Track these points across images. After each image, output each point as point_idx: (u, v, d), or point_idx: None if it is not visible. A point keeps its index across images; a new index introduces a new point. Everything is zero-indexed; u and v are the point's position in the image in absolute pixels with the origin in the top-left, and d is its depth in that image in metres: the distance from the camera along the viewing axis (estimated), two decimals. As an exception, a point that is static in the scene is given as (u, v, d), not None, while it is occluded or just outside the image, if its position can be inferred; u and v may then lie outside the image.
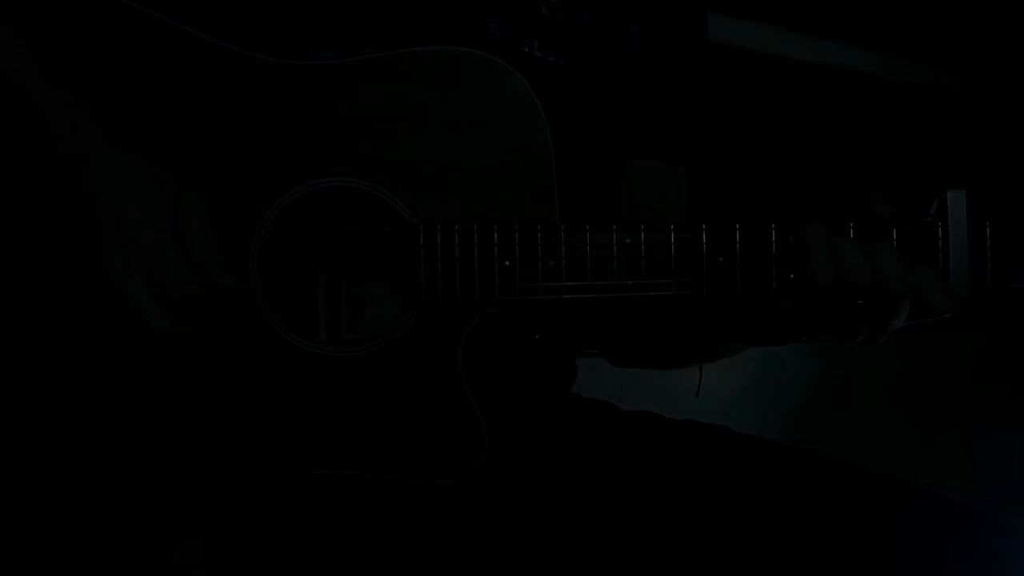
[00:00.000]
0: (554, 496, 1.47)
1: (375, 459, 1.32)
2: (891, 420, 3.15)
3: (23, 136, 1.25)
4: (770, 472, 1.45)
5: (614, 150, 1.54)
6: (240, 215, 1.30)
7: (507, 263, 1.30)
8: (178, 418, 1.31)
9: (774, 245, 1.30)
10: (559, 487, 1.48)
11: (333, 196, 1.32)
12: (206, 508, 1.31)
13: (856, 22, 2.88)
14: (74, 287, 1.28)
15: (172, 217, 1.24)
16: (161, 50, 1.31)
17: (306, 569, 1.40)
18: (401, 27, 1.39)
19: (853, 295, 1.28)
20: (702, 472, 1.46)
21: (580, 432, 1.56)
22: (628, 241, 1.30)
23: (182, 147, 1.29)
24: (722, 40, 2.68)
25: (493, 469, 1.32)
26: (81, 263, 1.26)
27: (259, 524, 1.38)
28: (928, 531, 1.37)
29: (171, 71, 1.31)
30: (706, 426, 1.54)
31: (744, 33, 2.76)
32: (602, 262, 1.30)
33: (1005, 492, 3.02)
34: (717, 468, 1.46)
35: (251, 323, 1.30)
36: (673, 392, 1.65)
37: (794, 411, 3.02)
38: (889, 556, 1.35)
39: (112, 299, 1.25)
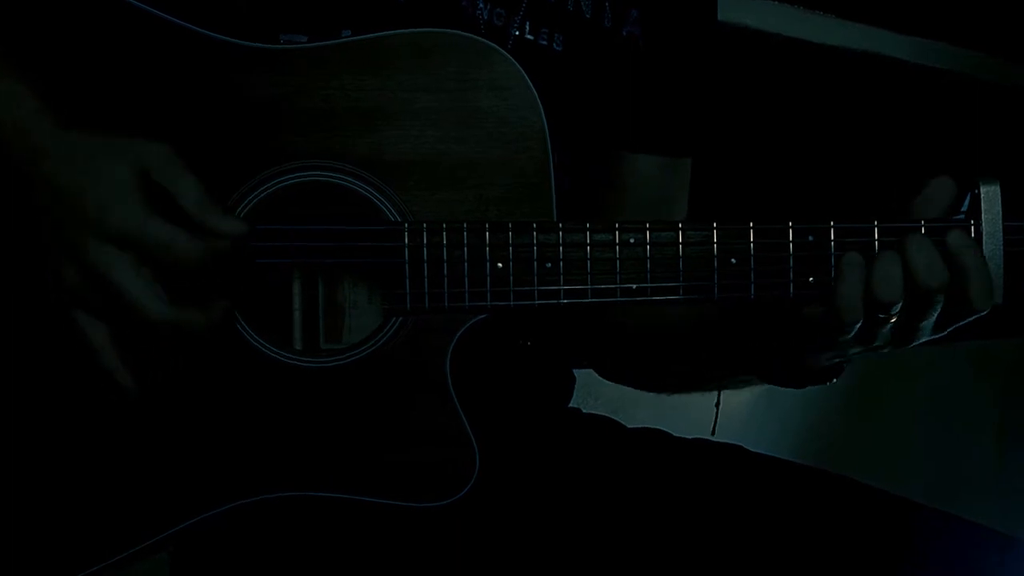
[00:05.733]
0: (552, 520, 1.43)
1: (354, 480, 1.27)
2: (914, 436, 3.14)
3: None
4: (791, 495, 1.41)
5: (612, 142, 1.51)
6: None
7: (500, 265, 1.25)
8: (143, 435, 1.25)
9: (791, 245, 1.26)
10: (557, 510, 1.44)
11: (308, 191, 1.26)
12: (171, 532, 1.25)
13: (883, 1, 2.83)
14: (50, 291, 1.20)
15: (144, 190, 1.16)
16: (123, 32, 1.25)
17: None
18: (380, 8, 1.34)
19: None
20: (718, 496, 1.42)
21: (581, 450, 1.52)
22: (632, 241, 1.26)
23: (146, 135, 1.22)
24: (733, 21, 2.64)
25: (485, 491, 1.27)
26: (54, 265, 1.18)
27: (224, 540, 1.34)
28: (953, 555, 1.34)
29: (134, 53, 1.25)
30: (719, 445, 1.50)
31: (757, 13, 2.71)
32: (603, 264, 1.26)
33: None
34: (734, 491, 1.42)
35: None
36: (681, 407, 1.61)
37: (811, 427, 2.99)
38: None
39: (97, 296, 1.17)
